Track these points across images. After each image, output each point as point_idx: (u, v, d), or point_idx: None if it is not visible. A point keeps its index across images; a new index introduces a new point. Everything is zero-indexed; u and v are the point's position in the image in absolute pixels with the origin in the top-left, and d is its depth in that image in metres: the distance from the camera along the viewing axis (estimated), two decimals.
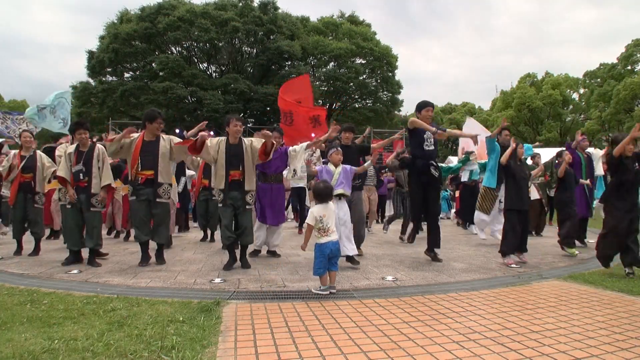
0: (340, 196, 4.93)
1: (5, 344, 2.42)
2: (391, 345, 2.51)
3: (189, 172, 8.69)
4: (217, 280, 4.23)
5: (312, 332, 2.74)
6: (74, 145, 5.22)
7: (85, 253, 5.17)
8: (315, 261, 3.73)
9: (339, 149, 5.08)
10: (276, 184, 5.69)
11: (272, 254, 5.77)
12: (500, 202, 7.03)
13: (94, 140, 6.79)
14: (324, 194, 3.85)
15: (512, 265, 5.02)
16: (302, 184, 8.70)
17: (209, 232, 7.60)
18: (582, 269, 4.93)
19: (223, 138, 5.00)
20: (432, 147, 5.39)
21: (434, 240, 5.40)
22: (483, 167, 8.37)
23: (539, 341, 2.58)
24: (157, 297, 3.54)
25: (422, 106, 5.47)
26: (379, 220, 11.41)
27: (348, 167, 5.07)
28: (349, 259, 4.96)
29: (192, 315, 3.00)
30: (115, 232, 8.11)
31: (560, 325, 2.89)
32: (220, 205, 4.88)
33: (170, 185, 5.18)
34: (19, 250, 5.79)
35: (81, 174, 5.06)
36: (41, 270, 4.78)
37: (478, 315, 3.12)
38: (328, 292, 3.71)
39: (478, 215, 7.19)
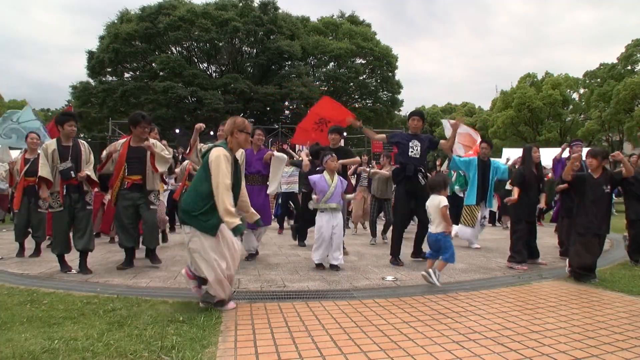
0: (333, 209, 4.87)
1: (5, 344, 2.42)
2: (391, 345, 2.51)
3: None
4: None
5: (312, 332, 2.74)
6: (54, 141, 4.75)
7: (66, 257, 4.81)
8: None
9: (334, 155, 4.94)
10: (257, 185, 5.48)
11: (251, 256, 5.50)
12: (484, 217, 7.00)
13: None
14: (436, 185, 4.15)
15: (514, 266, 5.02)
16: (294, 188, 8.47)
17: None
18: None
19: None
20: (417, 155, 5.29)
21: (420, 245, 5.45)
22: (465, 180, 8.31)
23: (539, 341, 2.58)
24: (157, 297, 3.54)
25: (410, 115, 5.52)
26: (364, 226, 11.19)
27: (342, 180, 4.96)
28: (332, 266, 4.84)
29: (192, 315, 2.99)
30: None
31: (560, 325, 2.89)
32: None
33: (159, 191, 5.05)
34: (21, 252, 5.70)
35: (72, 172, 4.58)
36: (41, 270, 4.77)
37: (478, 315, 3.12)
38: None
39: (463, 230, 6.88)
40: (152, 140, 5.00)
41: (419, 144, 5.31)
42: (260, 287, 3.98)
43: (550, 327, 2.85)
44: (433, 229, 4.09)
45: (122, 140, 4.99)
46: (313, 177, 4.90)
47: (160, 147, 4.99)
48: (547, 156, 9.63)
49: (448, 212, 4.05)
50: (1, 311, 3.08)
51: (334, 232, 4.81)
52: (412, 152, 5.28)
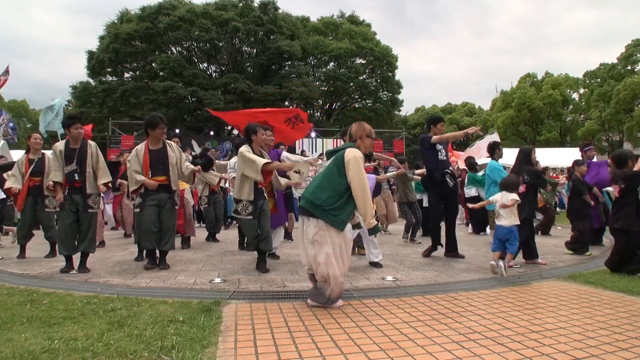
0: None
1: (5, 344, 2.42)
2: (391, 345, 2.51)
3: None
4: (217, 280, 4.23)
5: (312, 332, 2.74)
6: (63, 143, 4.83)
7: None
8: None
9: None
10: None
11: (272, 255, 5.66)
12: None
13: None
14: (511, 185, 4.74)
15: (512, 265, 5.02)
16: None
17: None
18: (582, 269, 4.92)
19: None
20: (445, 157, 5.66)
21: (454, 243, 5.76)
22: (479, 181, 8.26)
23: (539, 341, 2.58)
24: (157, 297, 3.54)
25: (439, 120, 5.83)
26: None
27: (372, 177, 5.18)
28: (373, 263, 5.07)
29: (192, 315, 2.99)
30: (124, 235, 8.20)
31: (560, 325, 2.89)
32: (250, 217, 4.61)
33: (178, 191, 5.09)
34: (22, 254, 5.68)
35: (76, 175, 4.68)
36: (41, 270, 4.78)
37: (478, 315, 3.12)
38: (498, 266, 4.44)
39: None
40: (167, 142, 5.03)
41: (442, 147, 5.65)
42: (260, 287, 3.98)
43: (550, 327, 2.85)
44: (504, 222, 4.62)
45: (139, 147, 4.96)
46: None
47: (176, 147, 5.07)
48: (547, 157, 9.61)
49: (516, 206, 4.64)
50: (1, 311, 3.08)
51: (363, 232, 4.95)
52: (441, 155, 5.62)
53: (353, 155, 3.31)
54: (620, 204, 4.67)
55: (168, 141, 5.08)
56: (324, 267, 3.19)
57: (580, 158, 6.67)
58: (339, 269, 3.21)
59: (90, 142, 4.93)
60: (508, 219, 4.63)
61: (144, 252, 5.34)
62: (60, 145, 4.81)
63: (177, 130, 21.07)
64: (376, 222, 3.38)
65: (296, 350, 2.43)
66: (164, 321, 2.85)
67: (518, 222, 4.58)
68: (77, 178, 4.68)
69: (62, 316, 2.98)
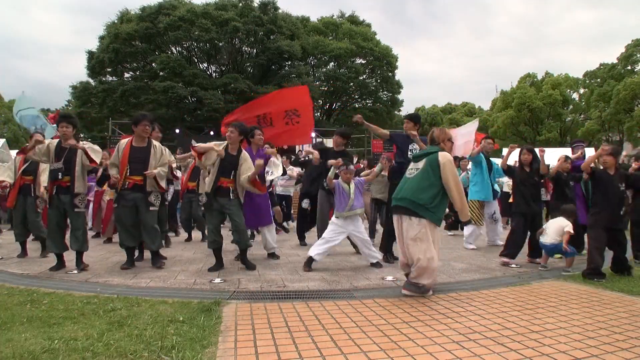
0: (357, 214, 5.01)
1: (5, 344, 2.42)
2: (391, 345, 2.51)
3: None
4: (217, 280, 4.23)
5: (312, 332, 2.74)
6: (56, 141, 4.81)
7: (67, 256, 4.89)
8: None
9: (351, 167, 5.10)
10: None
11: (272, 255, 5.66)
12: (494, 213, 6.96)
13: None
14: (570, 212, 4.92)
15: (512, 265, 5.03)
16: (289, 191, 8.98)
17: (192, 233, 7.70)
18: (582, 269, 4.91)
19: (225, 143, 4.90)
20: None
21: (390, 243, 5.38)
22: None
23: (539, 341, 2.58)
24: (157, 297, 3.54)
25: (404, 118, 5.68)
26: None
27: (357, 180, 5.12)
28: (373, 264, 5.02)
29: (192, 315, 2.99)
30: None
31: (560, 325, 2.89)
32: (202, 209, 4.76)
33: (156, 193, 4.98)
34: (23, 253, 5.68)
35: (60, 173, 4.62)
36: (41, 270, 4.77)
37: (478, 315, 3.12)
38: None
39: (468, 227, 6.83)
40: (155, 143, 5.02)
41: (417, 146, 5.33)
42: (260, 287, 3.98)
43: (550, 327, 2.85)
44: (547, 240, 4.81)
45: (123, 141, 4.97)
46: (338, 187, 5.00)
47: (160, 150, 5.00)
48: (546, 157, 9.56)
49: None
50: (1, 311, 3.08)
51: (356, 234, 4.99)
52: (411, 155, 5.28)
53: (447, 158, 3.72)
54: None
55: (156, 143, 5.05)
56: (425, 261, 3.55)
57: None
58: (437, 261, 3.65)
59: (85, 142, 4.90)
60: (552, 238, 4.76)
61: (143, 251, 5.34)
62: (52, 143, 4.82)
63: (178, 131, 21.06)
64: (470, 216, 3.87)
65: (296, 350, 2.43)
66: (164, 321, 2.85)
67: (559, 241, 4.69)
68: (60, 177, 4.65)
69: (62, 316, 2.98)
